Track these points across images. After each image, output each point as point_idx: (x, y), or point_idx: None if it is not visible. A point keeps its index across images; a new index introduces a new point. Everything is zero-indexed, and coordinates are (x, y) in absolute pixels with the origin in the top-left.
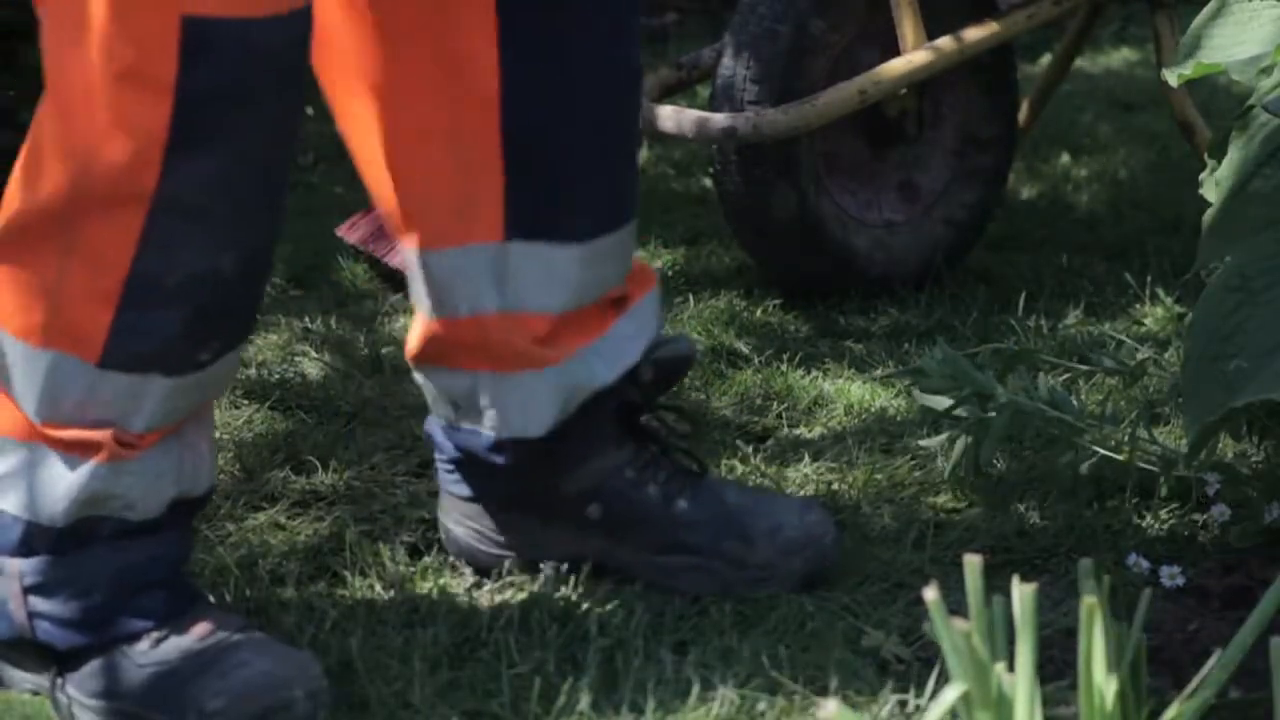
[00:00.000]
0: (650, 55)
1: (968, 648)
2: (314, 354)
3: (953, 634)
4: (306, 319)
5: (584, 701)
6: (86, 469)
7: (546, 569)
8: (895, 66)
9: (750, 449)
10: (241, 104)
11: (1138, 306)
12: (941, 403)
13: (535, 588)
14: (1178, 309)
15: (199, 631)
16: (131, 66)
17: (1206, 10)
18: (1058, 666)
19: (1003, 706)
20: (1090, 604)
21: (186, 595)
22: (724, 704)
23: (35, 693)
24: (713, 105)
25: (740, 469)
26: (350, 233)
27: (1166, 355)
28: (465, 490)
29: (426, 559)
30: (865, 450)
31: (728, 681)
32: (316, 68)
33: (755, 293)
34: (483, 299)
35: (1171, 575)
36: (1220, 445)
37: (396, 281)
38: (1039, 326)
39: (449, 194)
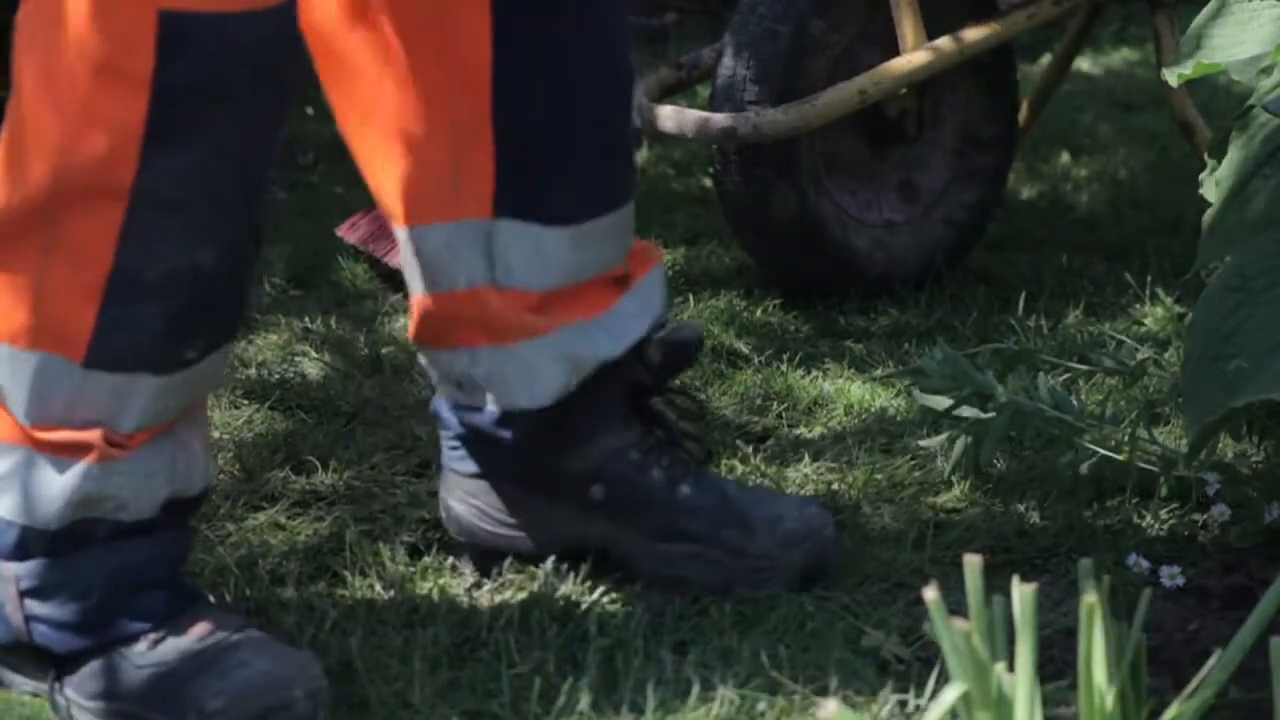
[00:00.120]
0: (650, 55)
1: (968, 648)
2: (314, 354)
3: (953, 634)
4: (306, 319)
5: (584, 701)
6: (78, 470)
7: (547, 565)
8: (895, 66)
9: (750, 449)
10: (218, 99)
11: (1138, 306)
12: (941, 403)
13: (535, 588)
14: (1178, 309)
15: (198, 632)
16: (109, 61)
17: (1206, 10)
18: (1058, 666)
19: (1003, 706)
20: (1090, 604)
21: (185, 596)
22: (724, 704)
23: (35, 694)
24: (713, 105)
25: (740, 469)
26: (350, 233)
27: (1166, 355)
28: (471, 467)
29: (426, 559)
30: (865, 450)
31: (728, 681)
32: (320, 74)
33: (755, 293)
34: (475, 273)
35: (1171, 575)
36: (1220, 445)
37: (396, 281)
38: (1039, 326)
39: (440, 174)
